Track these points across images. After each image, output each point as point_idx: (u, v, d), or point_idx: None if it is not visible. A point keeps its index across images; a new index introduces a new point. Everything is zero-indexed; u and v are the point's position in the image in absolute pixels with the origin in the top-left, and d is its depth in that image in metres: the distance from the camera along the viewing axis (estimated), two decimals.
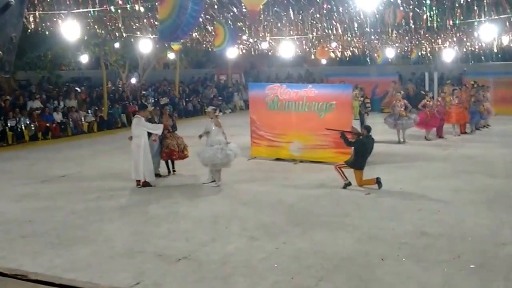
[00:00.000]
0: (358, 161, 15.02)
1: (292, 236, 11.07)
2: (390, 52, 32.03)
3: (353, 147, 15.56)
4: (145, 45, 24.50)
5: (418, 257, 9.74)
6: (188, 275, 9.15)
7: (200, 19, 17.07)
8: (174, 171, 17.61)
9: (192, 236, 11.26)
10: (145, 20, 20.47)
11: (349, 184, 15.10)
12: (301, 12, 20.15)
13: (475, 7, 18.33)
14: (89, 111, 30.68)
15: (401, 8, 18.62)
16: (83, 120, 29.41)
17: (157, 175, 16.92)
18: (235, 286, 8.67)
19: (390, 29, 20.38)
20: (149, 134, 16.21)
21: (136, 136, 15.78)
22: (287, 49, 25.89)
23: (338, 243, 10.57)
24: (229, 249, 10.37)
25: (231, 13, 19.57)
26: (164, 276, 9.14)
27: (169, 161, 17.50)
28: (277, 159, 19.49)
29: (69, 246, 10.77)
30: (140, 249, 10.48)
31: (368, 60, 36.12)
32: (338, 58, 35.18)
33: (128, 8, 16.62)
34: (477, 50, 30.69)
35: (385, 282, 8.69)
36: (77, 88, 34.54)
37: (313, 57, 31.20)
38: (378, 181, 14.95)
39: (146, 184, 15.81)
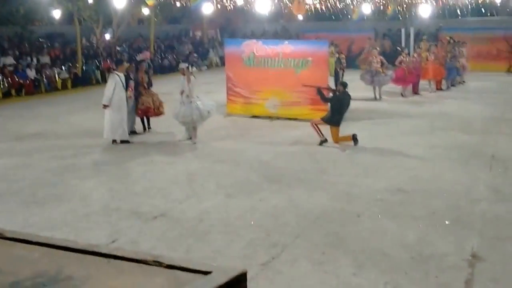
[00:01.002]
0: (335, 118, 15.00)
1: (268, 193, 11.09)
2: (366, 8, 31.87)
3: (329, 104, 15.56)
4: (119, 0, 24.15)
5: (393, 214, 9.81)
6: (164, 233, 9.16)
7: None
8: (149, 128, 17.49)
9: (168, 193, 11.25)
10: None
11: (325, 141, 15.11)
12: None
13: None
14: (63, 67, 30.28)
15: None
16: (57, 76, 29.04)
17: (133, 132, 16.83)
18: (211, 243, 8.68)
19: None
20: (125, 89, 15.96)
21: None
22: (263, 4, 25.67)
23: (314, 200, 10.61)
24: (205, 207, 10.38)
25: None
26: (140, 233, 9.15)
27: (145, 118, 17.38)
28: (253, 116, 19.42)
29: (44, 204, 10.71)
30: (116, 207, 10.45)
31: (345, 16, 35.98)
32: (313, 13, 35.00)
33: None
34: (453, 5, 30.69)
35: (361, 238, 8.75)
36: (50, 44, 34.05)
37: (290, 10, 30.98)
38: (354, 138, 14.98)
39: (123, 141, 15.71)
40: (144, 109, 16.96)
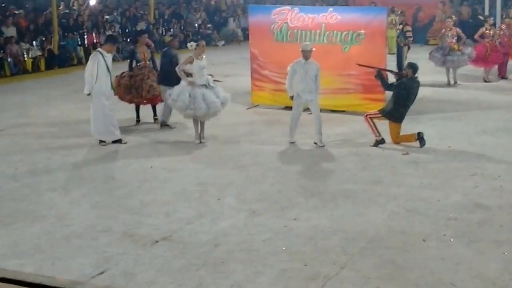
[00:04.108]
0: (398, 111, 14.94)
1: (305, 210, 11.16)
2: None
3: (393, 93, 15.39)
4: None
5: (471, 237, 9.85)
6: (168, 262, 9.25)
7: None
8: (155, 119, 17.80)
9: (173, 210, 11.35)
10: None
11: (382, 141, 15.15)
12: None
13: None
14: (34, 42, 30.39)
15: None
16: (25, 55, 29.19)
17: (165, 125, 17.16)
18: (230, 275, 8.77)
19: None
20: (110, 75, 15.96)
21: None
22: None
23: (365, 220, 10.67)
24: (222, 228, 10.47)
25: None
26: (136, 262, 9.24)
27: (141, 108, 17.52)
28: (286, 108, 19.48)
29: (11, 225, 10.83)
30: (105, 228, 10.56)
31: None
32: None
33: None
34: None
35: (426, 269, 8.80)
36: (16, 12, 34.26)
37: None
38: (420, 137, 14.96)
39: (115, 140, 15.80)
40: (151, 98, 17.14)
